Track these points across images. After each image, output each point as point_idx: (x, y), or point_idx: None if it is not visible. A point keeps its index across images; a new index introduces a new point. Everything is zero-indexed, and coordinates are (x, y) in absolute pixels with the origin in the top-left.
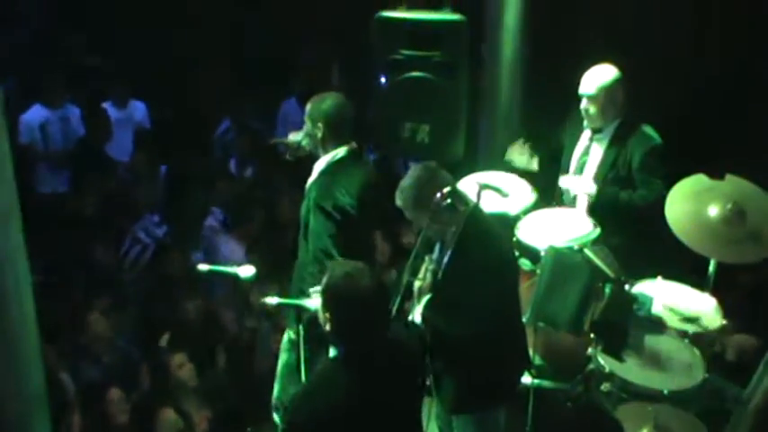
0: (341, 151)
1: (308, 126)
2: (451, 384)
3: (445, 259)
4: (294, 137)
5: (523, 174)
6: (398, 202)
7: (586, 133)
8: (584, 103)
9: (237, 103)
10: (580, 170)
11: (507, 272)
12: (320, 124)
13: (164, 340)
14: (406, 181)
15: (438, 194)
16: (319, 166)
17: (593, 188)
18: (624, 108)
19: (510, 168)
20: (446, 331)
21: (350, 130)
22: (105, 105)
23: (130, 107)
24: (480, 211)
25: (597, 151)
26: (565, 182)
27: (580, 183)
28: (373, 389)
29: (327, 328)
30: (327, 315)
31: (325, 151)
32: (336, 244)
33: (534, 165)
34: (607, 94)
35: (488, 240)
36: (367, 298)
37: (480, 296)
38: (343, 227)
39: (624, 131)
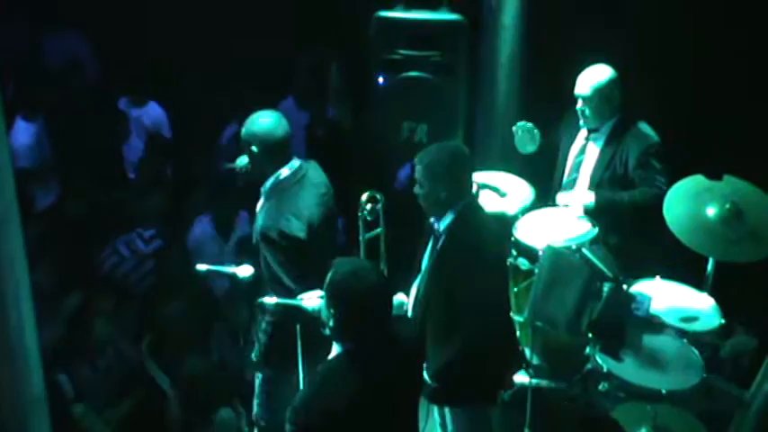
0: (284, 172)
1: (245, 150)
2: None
3: (435, 253)
4: (242, 161)
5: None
6: None
7: (582, 132)
8: (579, 104)
9: (239, 107)
10: (576, 170)
11: (494, 272)
12: (254, 147)
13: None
14: (424, 152)
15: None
16: (264, 189)
17: (590, 196)
18: (620, 106)
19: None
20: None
21: (289, 148)
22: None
23: (146, 107)
24: (473, 209)
25: (593, 150)
26: (562, 200)
27: (576, 196)
28: (378, 384)
29: (331, 324)
30: (332, 312)
31: (267, 174)
32: (287, 271)
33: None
34: (602, 95)
35: (478, 239)
36: (373, 294)
37: (463, 294)
38: (293, 253)
39: (621, 130)
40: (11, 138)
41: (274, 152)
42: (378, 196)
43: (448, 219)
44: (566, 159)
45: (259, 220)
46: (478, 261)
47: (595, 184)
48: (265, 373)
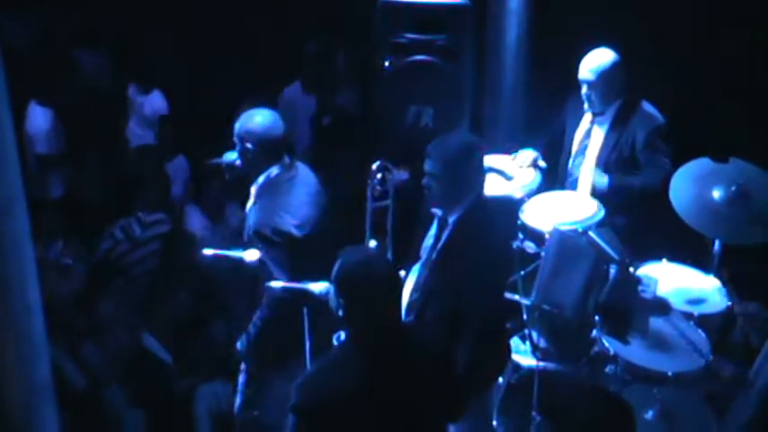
0: (274, 170)
1: (238, 146)
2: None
3: (440, 244)
4: (228, 156)
5: None
6: None
7: (588, 116)
8: (584, 89)
9: (246, 93)
10: (582, 153)
11: (501, 264)
12: (249, 145)
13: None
14: (438, 145)
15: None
16: (254, 188)
17: (604, 178)
18: (625, 89)
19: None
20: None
21: (283, 147)
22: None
23: (150, 96)
24: (482, 202)
25: (599, 134)
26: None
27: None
28: (383, 376)
29: (340, 313)
30: (341, 301)
31: (259, 172)
32: (281, 269)
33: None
34: (606, 79)
35: (487, 234)
36: (382, 285)
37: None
38: (286, 250)
39: (625, 112)
40: (28, 123)
41: (270, 151)
42: (390, 166)
43: (458, 212)
44: (571, 143)
45: (251, 218)
46: (487, 257)
47: (602, 167)
48: (248, 366)
